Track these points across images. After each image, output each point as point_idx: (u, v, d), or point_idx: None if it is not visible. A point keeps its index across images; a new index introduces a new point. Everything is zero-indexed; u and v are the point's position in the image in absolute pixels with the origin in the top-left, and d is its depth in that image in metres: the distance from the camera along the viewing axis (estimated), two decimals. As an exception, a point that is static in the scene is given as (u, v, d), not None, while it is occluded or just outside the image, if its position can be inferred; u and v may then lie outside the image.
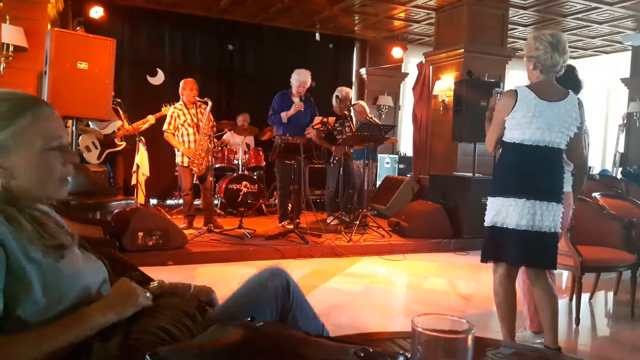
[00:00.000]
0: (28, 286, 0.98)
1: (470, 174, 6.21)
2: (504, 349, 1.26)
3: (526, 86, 2.58)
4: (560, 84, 2.64)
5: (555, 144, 2.54)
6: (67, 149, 1.13)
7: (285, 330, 0.94)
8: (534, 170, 2.55)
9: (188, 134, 5.68)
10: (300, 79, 5.91)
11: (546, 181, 2.55)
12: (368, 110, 6.88)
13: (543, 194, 2.52)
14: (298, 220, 5.78)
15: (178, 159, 5.77)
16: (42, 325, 0.98)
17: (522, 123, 2.53)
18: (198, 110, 5.74)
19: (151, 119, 6.03)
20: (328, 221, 6.40)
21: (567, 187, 2.88)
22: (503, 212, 2.56)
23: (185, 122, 5.68)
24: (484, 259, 2.69)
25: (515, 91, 2.56)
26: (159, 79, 7.96)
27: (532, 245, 2.53)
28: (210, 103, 5.66)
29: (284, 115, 5.83)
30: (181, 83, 5.81)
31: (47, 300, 1.00)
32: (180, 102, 5.78)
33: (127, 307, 1.09)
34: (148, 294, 1.16)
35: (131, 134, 5.93)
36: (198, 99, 5.70)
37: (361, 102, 7.31)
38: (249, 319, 0.97)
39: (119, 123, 5.93)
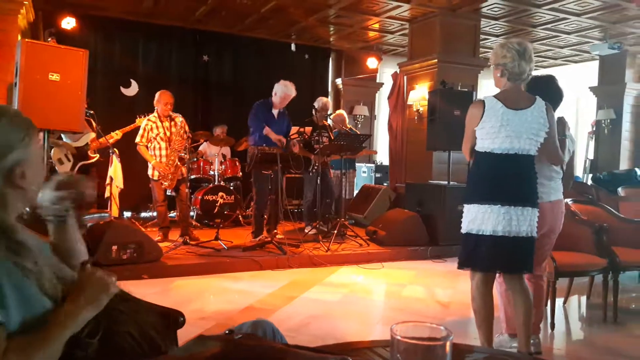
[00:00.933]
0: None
1: (445, 182, 6.29)
2: (478, 354, 1.28)
3: (493, 96, 2.63)
4: (542, 93, 2.69)
5: (524, 150, 2.59)
6: None
7: (264, 342, 0.94)
8: (506, 177, 2.60)
9: (160, 148, 5.59)
10: (287, 91, 5.67)
11: (519, 187, 2.60)
12: (347, 120, 6.90)
13: (517, 199, 2.56)
14: (276, 231, 5.76)
15: (149, 172, 5.69)
16: (34, 330, 1.00)
17: (491, 132, 2.58)
18: (172, 123, 5.66)
19: (116, 135, 5.90)
20: (306, 231, 6.39)
21: (559, 195, 2.93)
22: (479, 218, 2.59)
23: (158, 135, 5.60)
24: (461, 266, 2.73)
25: (483, 102, 2.62)
26: (132, 90, 7.87)
27: (509, 251, 2.57)
28: (181, 118, 5.59)
29: (267, 130, 5.58)
30: (157, 95, 5.72)
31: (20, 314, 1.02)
32: (155, 114, 5.70)
33: (103, 299, 1.14)
34: (114, 279, 1.20)
35: (104, 146, 5.83)
36: (172, 113, 5.63)
37: (341, 111, 7.35)
38: (226, 332, 0.96)
39: (92, 135, 5.83)
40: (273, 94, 5.75)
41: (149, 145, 5.62)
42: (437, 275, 5.15)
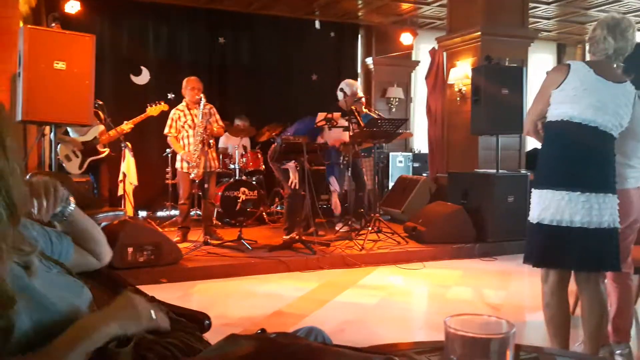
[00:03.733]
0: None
1: (494, 170, 6.21)
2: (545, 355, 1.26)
3: (582, 61, 2.56)
4: (636, 62, 2.62)
5: (607, 128, 2.47)
6: None
7: (300, 341, 0.95)
8: (586, 157, 2.48)
9: (188, 136, 5.75)
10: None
11: (600, 170, 2.48)
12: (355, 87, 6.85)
13: (598, 185, 2.45)
14: (312, 229, 5.73)
15: (178, 164, 5.86)
16: (35, 348, 0.98)
17: (571, 96, 2.47)
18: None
19: (126, 127, 6.01)
20: (337, 228, 6.40)
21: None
22: (553, 206, 2.48)
23: (186, 123, 5.76)
24: (528, 260, 2.62)
25: (568, 64, 2.53)
26: (143, 78, 8.00)
27: (591, 245, 2.46)
28: (203, 101, 5.64)
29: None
30: (183, 82, 5.90)
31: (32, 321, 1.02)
32: (183, 103, 5.86)
33: (131, 321, 1.09)
34: (154, 316, 1.16)
35: (115, 139, 5.95)
36: (203, 99, 5.66)
37: (352, 80, 7.26)
38: (259, 331, 0.98)
39: (101, 128, 5.95)
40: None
41: (179, 135, 5.78)
42: (486, 275, 5.10)
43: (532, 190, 2.62)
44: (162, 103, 6.14)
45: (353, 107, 6.41)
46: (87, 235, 1.41)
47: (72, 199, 1.34)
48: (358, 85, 6.66)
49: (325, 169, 6.71)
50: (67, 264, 1.30)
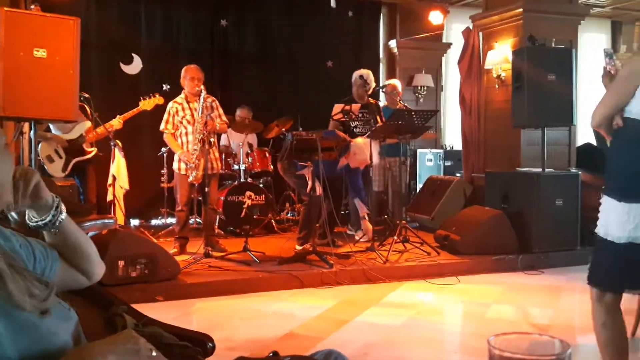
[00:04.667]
0: None
1: (539, 169, 6.18)
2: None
3: None
4: None
5: None
6: None
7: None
8: None
9: (187, 134, 5.78)
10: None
11: None
12: (400, 88, 6.97)
13: None
14: (330, 239, 5.73)
15: (175, 165, 5.90)
16: None
17: None
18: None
19: (116, 123, 6.05)
20: (356, 238, 6.40)
21: None
22: (633, 221, 2.44)
23: (184, 118, 5.78)
24: (600, 284, 2.60)
25: None
26: (135, 67, 8.07)
27: None
28: (204, 93, 5.66)
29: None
30: (182, 72, 5.94)
31: None
32: (182, 95, 5.90)
33: (129, 357, 1.13)
34: (154, 354, 1.20)
35: (104, 137, 6.00)
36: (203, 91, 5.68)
37: (394, 81, 7.35)
38: (271, 354, 0.98)
39: (87, 124, 6.02)
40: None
41: (176, 132, 5.83)
42: (530, 291, 5.08)
43: (608, 200, 2.57)
44: (157, 96, 6.19)
45: (372, 101, 6.45)
46: (78, 250, 1.41)
47: (63, 206, 1.35)
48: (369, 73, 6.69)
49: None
50: (50, 282, 1.31)
